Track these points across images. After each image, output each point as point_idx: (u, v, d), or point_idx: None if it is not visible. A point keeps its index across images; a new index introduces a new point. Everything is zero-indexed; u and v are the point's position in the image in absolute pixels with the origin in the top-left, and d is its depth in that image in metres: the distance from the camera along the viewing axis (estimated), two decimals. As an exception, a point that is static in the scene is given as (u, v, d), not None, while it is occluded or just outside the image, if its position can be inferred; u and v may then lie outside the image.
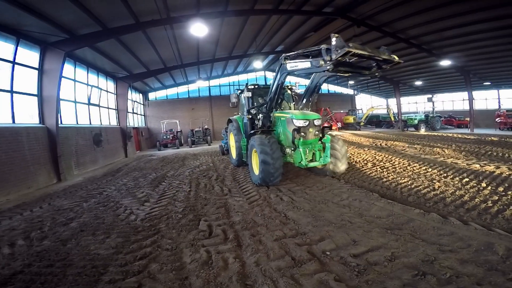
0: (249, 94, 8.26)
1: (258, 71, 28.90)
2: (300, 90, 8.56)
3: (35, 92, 9.47)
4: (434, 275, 2.52)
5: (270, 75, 30.45)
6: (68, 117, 11.74)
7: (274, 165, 5.95)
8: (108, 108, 16.17)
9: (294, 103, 8.94)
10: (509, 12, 11.23)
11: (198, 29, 10.78)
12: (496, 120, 22.18)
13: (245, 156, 8.21)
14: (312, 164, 6.52)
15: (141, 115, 24.79)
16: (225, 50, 18.32)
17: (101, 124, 14.84)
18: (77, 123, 12.36)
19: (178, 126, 24.52)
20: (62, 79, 10.05)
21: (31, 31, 8.67)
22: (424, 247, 3.08)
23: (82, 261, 3.17)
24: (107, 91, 16.15)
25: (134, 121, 22.09)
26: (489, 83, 24.01)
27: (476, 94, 24.78)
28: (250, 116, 8.12)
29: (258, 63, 21.64)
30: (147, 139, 24.76)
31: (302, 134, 6.49)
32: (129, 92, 18.69)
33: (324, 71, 5.24)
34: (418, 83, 26.70)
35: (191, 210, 5.05)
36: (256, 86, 8.64)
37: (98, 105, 14.71)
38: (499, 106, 25.46)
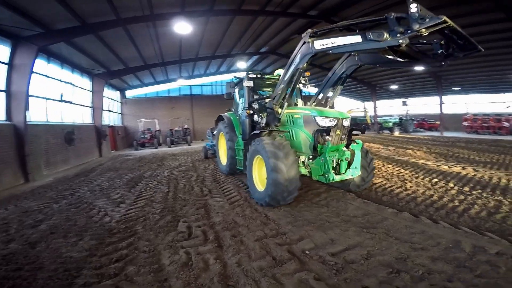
0: (250, 83, 6.46)
1: (242, 72, 28.86)
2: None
3: (3, 88, 8.89)
4: (407, 273, 2.65)
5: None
6: (38, 114, 11.09)
7: (289, 175, 4.47)
8: (82, 105, 15.49)
9: (301, 99, 7.47)
10: (478, 20, 11.97)
11: (182, 28, 10.60)
12: (464, 123, 23.67)
13: (240, 163, 6.93)
14: (339, 178, 5.01)
15: (117, 113, 23.96)
16: (208, 49, 18.13)
17: (74, 122, 14.17)
18: (48, 120, 11.73)
19: (156, 125, 23.94)
20: (34, 74, 9.53)
21: (3, 24, 8.17)
22: (398, 245, 3.22)
23: (53, 265, 3.01)
24: (82, 88, 15.48)
25: (110, 119, 21.32)
26: (459, 88, 25.57)
27: (446, 98, 26.28)
28: (252, 112, 6.38)
29: (242, 64, 21.61)
30: (124, 138, 23.97)
31: (328, 137, 5.02)
32: (106, 89, 18.01)
33: (380, 49, 4.01)
34: (394, 87, 27.86)
35: (169, 211, 4.93)
36: (259, 75, 6.88)
37: (72, 102, 14.05)
38: (467, 110, 27.21)
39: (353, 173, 5.20)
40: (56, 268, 2.92)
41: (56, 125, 12.03)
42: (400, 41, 3.41)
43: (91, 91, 16.46)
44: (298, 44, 4.75)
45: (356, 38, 3.84)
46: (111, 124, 21.35)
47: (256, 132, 5.55)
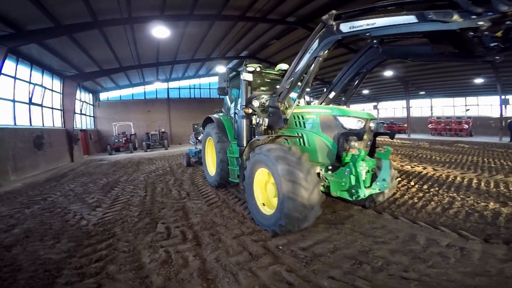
0: (249, 77, 5.37)
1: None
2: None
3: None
4: (368, 264, 2.94)
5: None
6: (5, 118, 10.58)
7: (310, 201, 3.46)
8: (52, 108, 14.87)
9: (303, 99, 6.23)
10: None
11: (160, 32, 10.57)
12: (429, 126, 25.41)
13: (233, 175, 5.95)
14: (368, 193, 3.97)
15: (90, 116, 23.12)
16: (187, 52, 18.10)
17: (43, 125, 13.60)
18: (15, 124, 11.20)
19: (132, 128, 23.38)
20: (1, 76, 9.13)
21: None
22: (361, 239, 3.55)
23: (32, 266, 3.03)
24: (52, 90, 14.86)
25: (82, 123, 20.56)
26: (424, 93, 27.42)
27: (413, 102, 28.09)
28: (251, 111, 5.23)
29: (221, 68, 21.76)
30: (97, 142, 23.15)
31: (354, 143, 4.15)
32: (78, 91, 17.40)
33: (444, 32, 3.00)
34: (366, 91, 29.25)
35: (147, 214, 4.98)
36: (259, 69, 5.63)
37: (41, 105, 13.48)
38: (431, 113, 29.23)
39: (381, 186, 4.08)
40: (36, 269, 2.94)
41: (24, 129, 11.49)
42: (480, 23, 2.74)
43: (60, 93, 15.83)
44: (316, 29, 4.00)
45: (408, 19, 3.10)
46: (84, 128, 20.60)
47: (260, 138, 4.45)
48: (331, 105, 5.19)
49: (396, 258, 3.06)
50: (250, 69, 5.39)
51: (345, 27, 3.66)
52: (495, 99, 22.26)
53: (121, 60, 16.19)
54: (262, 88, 6.36)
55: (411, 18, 3.10)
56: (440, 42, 3.49)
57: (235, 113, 5.98)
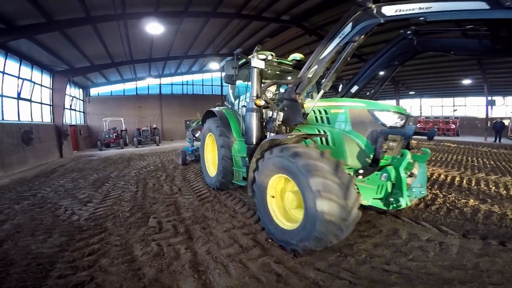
0: (261, 64, 4.54)
1: (214, 72, 28.81)
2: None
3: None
4: (352, 256, 3.07)
5: (227, 76, 30.48)
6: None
7: (348, 217, 2.83)
8: (41, 103, 14.63)
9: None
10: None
11: (154, 28, 10.49)
12: (417, 125, 25.95)
13: (238, 176, 5.36)
14: (408, 200, 3.40)
15: (80, 111, 22.79)
16: (181, 49, 18.01)
17: (32, 120, 13.37)
18: (3, 119, 11.00)
19: (123, 124, 23.17)
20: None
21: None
22: (346, 233, 3.70)
23: (24, 260, 3.06)
24: (41, 85, 14.61)
25: (72, 118, 20.27)
26: (414, 93, 27.94)
27: (403, 102, 28.58)
28: (262, 104, 4.43)
29: (214, 64, 21.66)
30: (87, 138, 22.86)
31: (392, 144, 3.60)
32: (68, 87, 17.13)
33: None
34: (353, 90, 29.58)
35: (139, 209, 5.03)
36: (271, 57, 4.71)
37: (30, 100, 13.25)
38: (420, 113, 29.88)
39: (418, 193, 3.65)
40: (28, 263, 2.98)
41: (12, 124, 11.29)
42: None
43: (50, 88, 15.58)
44: (349, 11, 3.49)
45: (478, 4, 2.67)
46: (73, 123, 20.30)
47: (279, 136, 3.71)
48: (359, 99, 4.21)
49: (379, 251, 3.20)
50: (262, 56, 4.58)
51: (389, 10, 3.18)
52: (482, 100, 22.85)
53: (113, 55, 16.01)
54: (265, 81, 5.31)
55: (481, 4, 2.70)
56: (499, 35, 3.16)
57: (243, 105, 5.29)
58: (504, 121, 20.37)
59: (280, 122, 4.17)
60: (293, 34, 15.85)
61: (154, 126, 23.85)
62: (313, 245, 2.92)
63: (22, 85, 12.34)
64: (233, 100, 6.00)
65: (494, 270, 2.69)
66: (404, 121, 3.66)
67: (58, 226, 4.26)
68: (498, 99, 21.20)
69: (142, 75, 23.73)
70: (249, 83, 4.77)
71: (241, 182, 5.26)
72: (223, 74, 4.84)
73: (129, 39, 13.71)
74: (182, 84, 28.50)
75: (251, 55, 4.58)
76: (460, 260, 2.93)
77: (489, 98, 19.64)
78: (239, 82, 5.71)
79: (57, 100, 15.77)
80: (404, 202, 3.29)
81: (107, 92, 25.55)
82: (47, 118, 15.31)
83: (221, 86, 30.46)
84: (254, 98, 4.45)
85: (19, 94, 12.19)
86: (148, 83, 26.21)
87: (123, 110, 25.05)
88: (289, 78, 4.68)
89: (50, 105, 15.55)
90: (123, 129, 22.73)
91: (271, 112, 4.35)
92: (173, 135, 27.11)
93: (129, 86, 26.20)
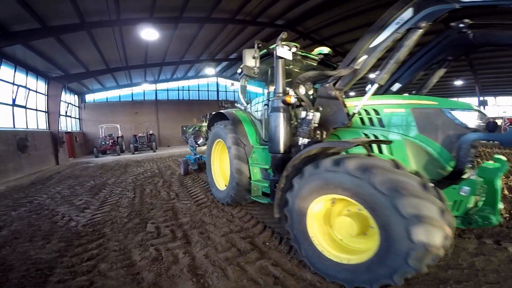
0: (288, 54, 3.80)
1: (210, 77, 28.94)
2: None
3: None
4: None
5: (222, 81, 30.61)
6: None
7: (448, 242, 2.15)
8: (36, 110, 14.59)
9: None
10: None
11: (149, 34, 10.56)
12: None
13: (256, 191, 4.53)
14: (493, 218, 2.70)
15: (75, 118, 22.72)
16: (176, 54, 18.09)
17: (27, 127, 13.32)
18: (-2, 126, 10.98)
19: (119, 131, 23.10)
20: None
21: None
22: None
23: (23, 266, 3.07)
24: (36, 91, 14.59)
25: (68, 125, 20.20)
26: (407, 95, 28.22)
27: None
28: (294, 101, 3.60)
29: (210, 70, 21.77)
30: (82, 144, 22.76)
31: (474, 151, 2.97)
32: (63, 93, 17.10)
33: None
34: (352, 94, 29.85)
35: (137, 214, 5.03)
36: (295, 49, 3.93)
37: (25, 107, 13.21)
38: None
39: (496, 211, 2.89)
40: (27, 269, 2.99)
41: (7, 131, 11.25)
42: None
43: (45, 95, 15.56)
44: None
45: None
46: (69, 130, 20.23)
47: (341, 144, 2.83)
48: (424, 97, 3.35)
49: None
50: (288, 48, 3.84)
51: None
52: (474, 101, 23.18)
53: (108, 61, 16.05)
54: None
55: None
56: None
57: (265, 104, 4.52)
58: (496, 121, 20.68)
59: (316, 125, 3.41)
60: (288, 39, 16.06)
61: (151, 132, 23.82)
62: (399, 281, 2.23)
63: (17, 91, 12.32)
64: (243, 101, 5.21)
65: (489, 269, 2.71)
66: (485, 122, 3.07)
67: (56, 232, 4.26)
68: (489, 99, 21.52)
69: (137, 81, 23.77)
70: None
71: (261, 199, 4.36)
72: (241, 66, 4.11)
73: (124, 45, 13.77)
74: (178, 90, 28.57)
75: (275, 44, 3.82)
76: (455, 260, 2.96)
77: (481, 98, 19.94)
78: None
79: (53, 106, 15.74)
80: (495, 219, 2.66)
81: (103, 98, 25.51)
82: (43, 125, 15.25)
83: (217, 91, 30.57)
84: (281, 94, 3.71)
85: (14, 100, 12.17)
86: (144, 89, 26.26)
87: (119, 116, 25.01)
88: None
89: (45, 111, 15.51)
90: (119, 135, 22.66)
91: (304, 113, 3.47)
92: (170, 141, 27.08)
93: (125, 92, 26.19)
